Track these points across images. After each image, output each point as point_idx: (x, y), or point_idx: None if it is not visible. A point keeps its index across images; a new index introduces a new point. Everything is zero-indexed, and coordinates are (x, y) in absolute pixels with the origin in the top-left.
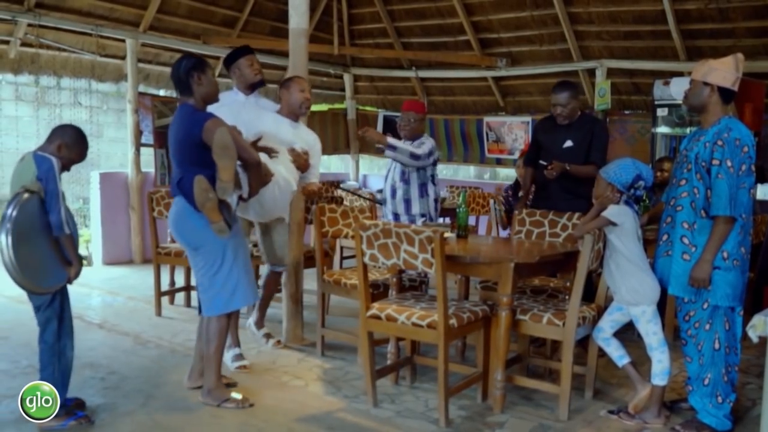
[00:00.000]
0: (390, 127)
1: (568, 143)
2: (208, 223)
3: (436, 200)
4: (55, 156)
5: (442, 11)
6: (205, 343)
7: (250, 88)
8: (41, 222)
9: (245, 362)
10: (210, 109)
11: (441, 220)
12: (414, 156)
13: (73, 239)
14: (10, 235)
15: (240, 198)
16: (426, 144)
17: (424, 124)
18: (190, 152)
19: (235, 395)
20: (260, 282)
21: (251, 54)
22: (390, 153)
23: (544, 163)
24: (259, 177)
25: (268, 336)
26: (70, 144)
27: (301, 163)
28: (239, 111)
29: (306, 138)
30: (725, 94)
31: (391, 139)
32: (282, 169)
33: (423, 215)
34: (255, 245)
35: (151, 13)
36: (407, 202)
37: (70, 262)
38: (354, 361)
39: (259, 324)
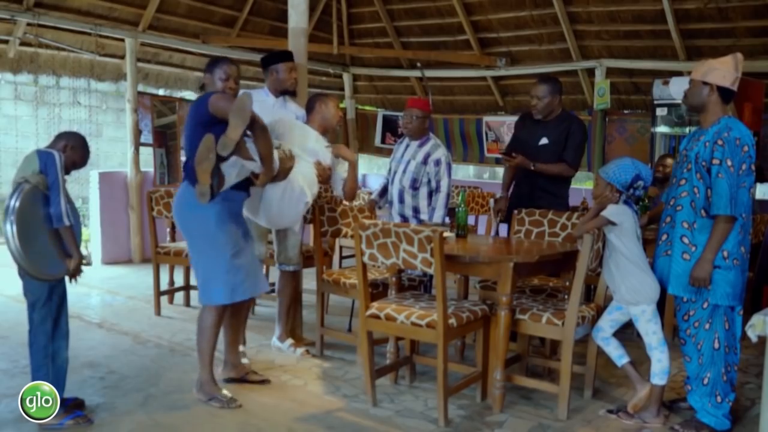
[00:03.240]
0: (389, 126)
1: (544, 140)
2: (203, 211)
3: (446, 205)
4: (59, 152)
5: (441, 11)
6: (198, 334)
7: (282, 92)
8: (42, 213)
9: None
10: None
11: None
12: (446, 201)
13: (74, 231)
14: (14, 224)
15: (254, 177)
16: (442, 168)
17: (428, 123)
18: (197, 133)
19: (223, 394)
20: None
21: (292, 61)
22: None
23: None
24: (269, 145)
25: (294, 345)
26: (75, 146)
27: (325, 177)
28: (271, 117)
29: (328, 152)
30: (725, 93)
31: (435, 219)
32: (300, 179)
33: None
34: (271, 242)
35: (151, 12)
36: (415, 209)
37: (70, 254)
38: (353, 361)
39: (282, 337)
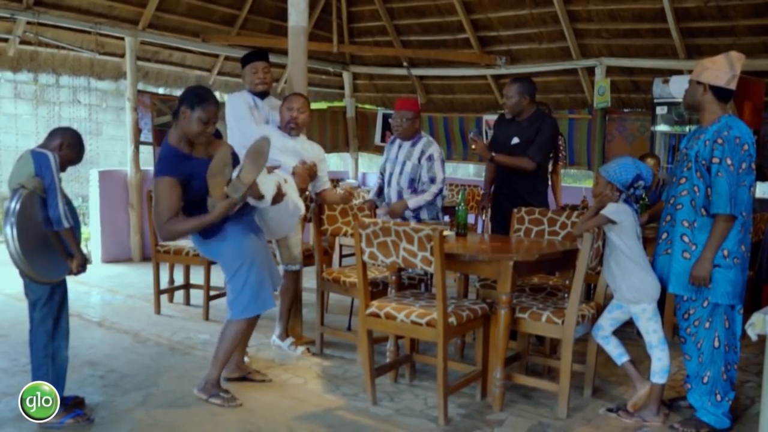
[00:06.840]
0: (389, 124)
1: (515, 140)
2: (218, 242)
3: (435, 198)
4: (54, 153)
5: (441, 9)
6: (221, 341)
7: (254, 94)
8: (41, 217)
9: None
10: (230, 111)
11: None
12: (436, 196)
13: (74, 232)
14: (15, 227)
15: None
16: (435, 164)
17: (419, 123)
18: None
19: (224, 393)
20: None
21: (258, 62)
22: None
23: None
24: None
25: (295, 344)
26: (71, 144)
27: (312, 174)
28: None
29: (310, 150)
30: (720, 92)
31: (412, 202)
32: (292, 193)
33: (432, 219)
34: (270, 241)
35: (150, 10)
36: (416, 209)
37: (72, 254)
38: (353, 359)
39: (282, 336)
